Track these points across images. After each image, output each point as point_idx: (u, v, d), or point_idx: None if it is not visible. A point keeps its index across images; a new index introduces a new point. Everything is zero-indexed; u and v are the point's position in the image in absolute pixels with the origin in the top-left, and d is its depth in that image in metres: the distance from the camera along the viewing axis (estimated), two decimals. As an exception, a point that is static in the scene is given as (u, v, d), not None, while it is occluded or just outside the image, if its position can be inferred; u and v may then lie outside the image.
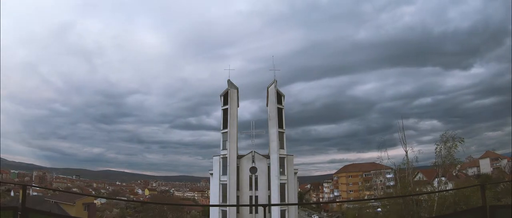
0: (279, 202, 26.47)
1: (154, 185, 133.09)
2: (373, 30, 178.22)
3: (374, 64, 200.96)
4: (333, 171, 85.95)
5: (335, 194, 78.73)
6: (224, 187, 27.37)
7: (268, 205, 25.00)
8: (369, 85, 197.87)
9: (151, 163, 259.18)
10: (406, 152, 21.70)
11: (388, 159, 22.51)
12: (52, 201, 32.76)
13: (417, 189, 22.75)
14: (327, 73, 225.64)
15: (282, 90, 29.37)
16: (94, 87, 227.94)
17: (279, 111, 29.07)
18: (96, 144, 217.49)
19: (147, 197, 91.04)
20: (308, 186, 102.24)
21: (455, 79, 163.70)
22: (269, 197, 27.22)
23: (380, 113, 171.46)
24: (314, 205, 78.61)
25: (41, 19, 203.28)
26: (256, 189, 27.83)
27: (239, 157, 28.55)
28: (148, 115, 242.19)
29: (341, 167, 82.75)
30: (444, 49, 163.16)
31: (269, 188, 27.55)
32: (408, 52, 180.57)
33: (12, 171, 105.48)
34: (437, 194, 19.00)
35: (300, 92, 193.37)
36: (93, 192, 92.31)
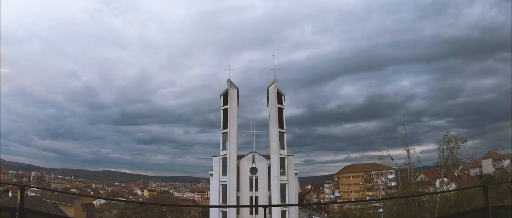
0: (279, 203, 26.28)
1: (153, 185, 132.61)
2: (466, 28, 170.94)
3: (435, 58, 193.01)
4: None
5: (336, 194, 78.56)
6: (224, 188, 27.17)
7: (268, 206, 24.91)
8: (419, 78, 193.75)
9: (156, 164, 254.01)
10: (408, 152, 21.66)
11: (392, 159, 22.40)
12: (50, 202, 32.46)
13: (420, 190, 22.63)
14: (387, 65, 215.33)
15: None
16: (125, 82, 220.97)
17: (280, 111, 28.94)
18: (105, 144, 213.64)
19: (146, 197, 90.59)
20: (309, 186, 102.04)
21: (502, 75, 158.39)
22: (270, 197, 27.04)
23: (411, 109, 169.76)
24: (315, 206, 78.37)
25: (71, 5, 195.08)
26: (256, 189, 27.65)
27: (239, 157, 28.37)
28: (168, 114, 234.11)
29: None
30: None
31: (269, 189, 27.36)
32: (479, 48, 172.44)
33: (10, 171, 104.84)
34: (439, 194, 18.87)
35: (345, 84, 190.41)
36: (92, 193, 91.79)
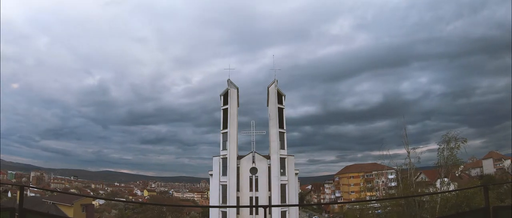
0: (279, 203, 26.26)
1: (153, 186, 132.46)
2: (497, 27, 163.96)
3: (460, 55, 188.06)
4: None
5: (336, 195, 78.56)
6: (224, 188, 27.13)
7: (268, 206, 24.74)
8: (438, 75, 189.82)
9: (159, 164, 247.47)
10: (408, 153, 21.64)
11: (390, 160, 22.41)
12: (49, 202, 32.41)
13: (419, 190, 22.61)
14: (412, 62, 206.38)
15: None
16: (138, 80, 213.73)
17: (280, 111, 28.93)
18: (109, 145, 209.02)
19: (146, 198, 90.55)
20: (309, 186, 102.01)
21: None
22: (270, 198, 26.99)
23: (426, 107, 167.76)
24: (315, 206, 78.33)
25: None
26: (257, 190, 27.60)
27: (239, 158, 28.34)
28: (176, 113, 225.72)
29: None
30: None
31: (269, 189, 27.32)
32: (504, 47, 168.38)
33: (9, 171, 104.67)
34: (439, 195, 18.86)
35: (364, 81, 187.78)
36: (91, 193, 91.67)
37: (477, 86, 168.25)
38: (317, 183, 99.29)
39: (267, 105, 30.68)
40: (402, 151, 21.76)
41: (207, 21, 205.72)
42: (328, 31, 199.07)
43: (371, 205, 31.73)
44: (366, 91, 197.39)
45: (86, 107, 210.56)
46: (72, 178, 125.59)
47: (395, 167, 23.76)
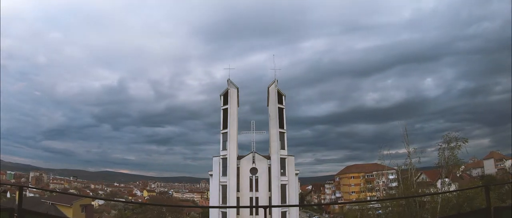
0: (280, 203, 26.19)
1: (152, 186, 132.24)
2: None
3: (491, 52, 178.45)
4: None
5: (337, 195, 78.50)
6: (224, 188, 27.06)
7: (268, 207, 24.54)
8: (463, 71, 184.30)
9: (162, 164, 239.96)
10: (409, 153, 21.60)
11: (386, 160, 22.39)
12: (49, 203, 32.30)
13: (420, 190, 22.58)
14: (443, 57, 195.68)
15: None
16: (156, 75, 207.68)
17: (280, 111, 28.87)
18: (113, 145, 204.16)
19: (145, 198, 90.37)
20: (309, 187, 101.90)
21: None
22: (270, 198, 26.93)
23: (442, 105, 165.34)
24: (315, 207, 78.20)
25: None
26: (257, 190, 27.53)
27: (239, 158, 28.28)
28: (185, 111, 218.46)
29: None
30: None
31: (269, 189, 27.26)
32: None
33: (8, 172, 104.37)
34: (440, 195, 18.82)
35: (387, 78, 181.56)
36: (91, 193, 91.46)
37: (498, 83, 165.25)
38: (318, 183, 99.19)
39: (267, 105, 30.63)
40: (407, 151, 21.67)
41: (243, 9, 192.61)
42: (376, 24, 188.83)
43: (372, 205, 31.65)
44: (389, 87, 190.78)
45: (97, 107, 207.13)
46: (71, 178, 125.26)
47: (396, 167, 23.75)
